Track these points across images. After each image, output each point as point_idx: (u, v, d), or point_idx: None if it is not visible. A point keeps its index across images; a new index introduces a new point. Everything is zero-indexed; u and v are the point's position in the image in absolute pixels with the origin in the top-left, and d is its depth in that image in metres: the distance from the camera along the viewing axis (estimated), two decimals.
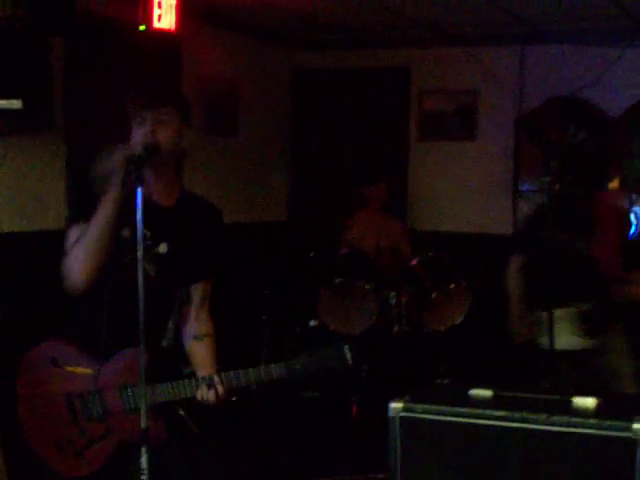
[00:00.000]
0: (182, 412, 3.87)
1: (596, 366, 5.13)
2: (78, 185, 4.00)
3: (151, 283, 3.57)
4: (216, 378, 3.66)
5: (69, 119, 6.42)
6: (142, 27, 6.58)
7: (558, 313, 5.12)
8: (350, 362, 3.58)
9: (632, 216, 7.87)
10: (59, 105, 6.30)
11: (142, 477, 3.40)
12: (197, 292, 3.90)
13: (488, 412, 3.29)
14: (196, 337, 3.89)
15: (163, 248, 3.69)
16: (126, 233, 3.62)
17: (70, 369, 3.74)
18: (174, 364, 3.75)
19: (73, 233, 3.70)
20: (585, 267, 5.14)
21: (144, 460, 3.41)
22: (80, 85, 6.51)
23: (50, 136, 6.27)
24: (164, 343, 3.76)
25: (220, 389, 3.64)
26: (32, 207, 6.22)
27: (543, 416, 3.22)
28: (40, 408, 3.77)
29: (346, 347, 3.58)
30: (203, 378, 3.68)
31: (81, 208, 3.75)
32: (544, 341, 5.12)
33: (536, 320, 5.22)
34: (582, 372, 5.12)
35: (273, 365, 3.62)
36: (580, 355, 5.12)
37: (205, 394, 3.65)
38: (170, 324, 3.78)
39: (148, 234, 3.56)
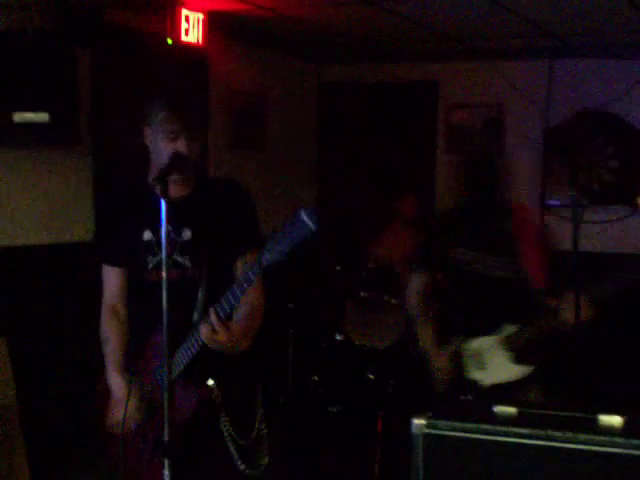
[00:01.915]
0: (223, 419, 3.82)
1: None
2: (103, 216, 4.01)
3: (189, 273, 3.66)
4: (210, 313, 3.48)
5: (96, 132, 6.44)
6: (169, 41, 6.60)
7: (484, 343, 4.77)
8: (313, 226, 3.34)
9: None
10: (86, 118, 6.31)
11: None
12: (239, 265, 3.80)
13: (513, 430, 3.25)
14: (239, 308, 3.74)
15: (187, 235, 3.68)
16: (147, 236, 3.65)
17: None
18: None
19: (107, 276, 3.88)
20: (506, 287, 4.73)
21: (167, 474, 3.39)
22: (107, 98, 6.53)
23: (77, 149, 6.28)
24: (195, 316, 3.72)
25: (214, 318, 3.46)
26: (59, 220, 6.24)
27: (568, 434, 3.18)
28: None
29: (303, 214, 3.35)
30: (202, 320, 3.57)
31: (107, 243, 3.85)
32: (477, 375, 4.78)
33: (458, 351, 4.81)
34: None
35: (249, 272, 3.37)
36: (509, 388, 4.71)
37: (205, 333, 3.50)
38: (199, 295, 3.71)
39: (170, 228, 3.54)
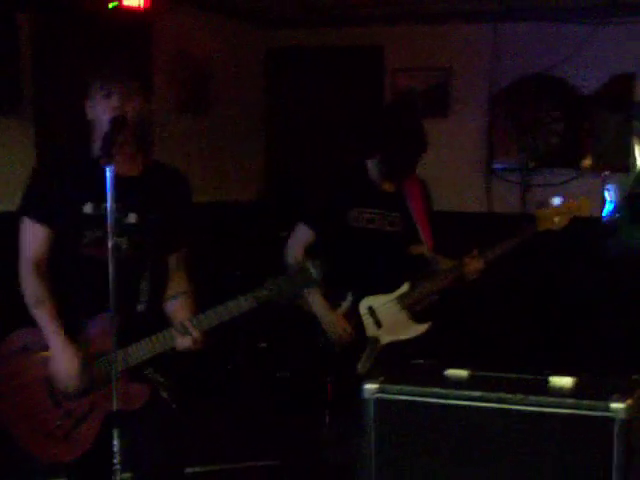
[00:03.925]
0: (164, 394, 3.82)
1: None
2: (39, 173, 3.94)
3: (124, 255, 3.61)
4: (187, 323, 3.64)
5: (37, 99, 6.32)
6: (112, 4, 6.49)
7: (378, 301, 4.92)
8: (317, 278, 3.58)
9: (606, 193, 7.85)
10: (27, 85, 6.20)
11: (114, 461, 3.38)
12: (172, 258, 3.89)
13: (464, 393, 3.26)
14: (173, 297, 3.85)
15: (132, 218, 3.68)
16: (88, 209, 3.63)
17: (44, 353, 3.70)
18: (150, 327, 3.69)
19: (27, 230, 3.74)
20: (399, 243, 4.97)
21: (116, 444, 3.38)
22: (48, 64, 6.41)
23: (18, 119, 6.18)
24: (139, 307, 3.73)
25: (195, 333, 3.62)
26: (0, 189, 6.14)
27: (520, 396, 3.19)
28: (21, 401, 3.73)
29: (309, 264, 3.58)
30: (175, 327, 3.66)
31: (36, 199, 3.76)
32: (375, 333, 4.89)
33: (351, 310, 4.89)
34: None
35: (242, 298, 3.62)
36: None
37: (182, 341, 3.64)
38: (143, 286, 3.74)
39: (115, 206, 3.52)
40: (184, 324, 3.64)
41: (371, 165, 4.93)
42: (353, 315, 4.88)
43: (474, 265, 4.87)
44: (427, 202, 5.08)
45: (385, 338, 4.87)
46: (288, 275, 3.60)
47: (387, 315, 4.88)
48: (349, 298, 4.84)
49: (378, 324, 4.89)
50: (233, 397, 7.01)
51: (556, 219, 4.90)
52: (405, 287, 4.90)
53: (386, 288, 4.90)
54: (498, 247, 4.88)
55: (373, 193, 4.92)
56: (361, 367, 4.82)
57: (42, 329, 3.66)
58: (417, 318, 4.93)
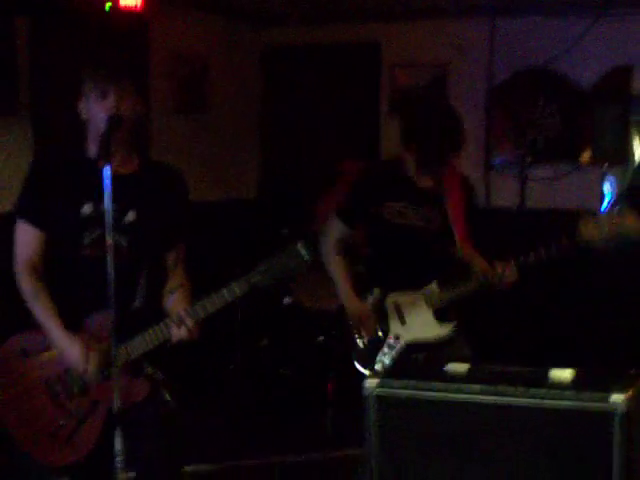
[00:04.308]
0: (164, 391, 3.83)
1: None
2: (37, 174, 3.93)
3: (123, 253, 3.63)
4: (182, 313, 3.65)
5: (35, 101, 6.32)
6: (107, 6, 6.49)
7: (406, 298, 4.83)
8: (307, 258, 3.58)
9: (605, 187, 7.83)
10: (25, 87, 6.20)
11: (117, 460, 3.39)
12: (170, 255, 3.91)
13: (464, 387, 3.27)
14: (170, 291, 3.87)
15: (131, 216, 3.70)
16: (87, 210, 3.66)
17: (43, 355, 3.71)
18: (147, 324, 3.70)
19: (21, 232, 3.75)
20: (428, 242, 4.82)
21: (118, 442, 3.39)
22: (46, 67, 6.41)
23: (16, 121, 6.18)
24: (137, 304, 3.75)
25: (189, 322, 3.63)
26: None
27: (519, 390, 3.21)
28: (23, 406, 3.74)
29: (299, 245, 3.58)
30: (171, 319, 3.67)
31: (32, 202, 3.76)
32: (397, 330, 4.79)
33: (379, 307, 4.84)
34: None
35: (234, 283, 3.64)
36: (431, 346, 4.76)
37: (177, 333, 3.64)
38: (141, 283, 3.76)
39: (113, 205, 3.53)
40: (179, 315, 3.66)
41: (408, 159, 4.84)
42: (379, 310, 4.83)
43: (506, 272, 4.66)
44: (467, 200, 4.91)
45: (407, 336, 4.79)
46: (279, 257, 3.61)
47: (412, 312, 4.80)
48: (376, 291, 4.82)
49: (402, 321, 4.81)
50: (234, 395, 7.02)
51: (599, 231, 4.52)
52: (433, 286, 4.79)
53: (414, 285, 4.81)
54: (533, 256, 4.65)
55: (407, 188, 4.82)
56: (378, 363, 4.75)
57: (41, 324, 3.68)
58: (441, 318, 4.81)
